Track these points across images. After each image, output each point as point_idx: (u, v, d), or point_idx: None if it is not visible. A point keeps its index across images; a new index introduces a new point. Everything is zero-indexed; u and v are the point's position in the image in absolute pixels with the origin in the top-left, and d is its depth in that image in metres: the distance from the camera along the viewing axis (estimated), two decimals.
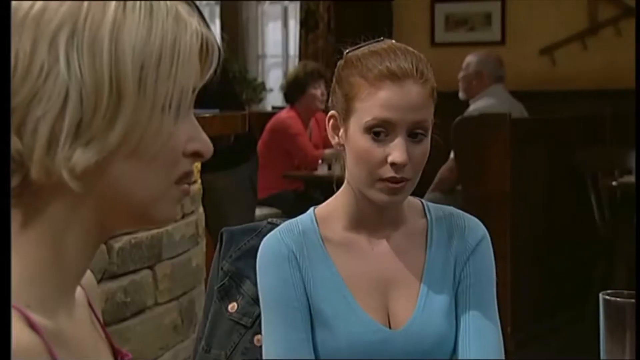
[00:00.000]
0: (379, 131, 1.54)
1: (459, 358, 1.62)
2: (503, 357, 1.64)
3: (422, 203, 1.70)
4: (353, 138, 1.57)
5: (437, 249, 1.65)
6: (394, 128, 1.53)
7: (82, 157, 0.87)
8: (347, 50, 1.62)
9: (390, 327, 1.62)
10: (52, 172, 0.87)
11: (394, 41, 1.62)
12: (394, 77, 1.52)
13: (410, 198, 1.68)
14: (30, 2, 0.87)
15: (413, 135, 1.55)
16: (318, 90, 5.34)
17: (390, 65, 1.53)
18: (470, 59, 5.31)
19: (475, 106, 5.14)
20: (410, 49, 1.59)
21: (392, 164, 1.53)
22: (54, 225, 0.92)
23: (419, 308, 1.61)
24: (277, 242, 1.64)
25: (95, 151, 0.87)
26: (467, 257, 1.65)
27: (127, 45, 0.87)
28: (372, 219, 1.64)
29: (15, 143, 0.86)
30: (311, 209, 1.69)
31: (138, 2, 0.89)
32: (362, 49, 1.60)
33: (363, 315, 1.61)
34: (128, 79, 0.87)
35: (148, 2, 0.90)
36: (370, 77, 1.54)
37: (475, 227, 1.68)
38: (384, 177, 1.54)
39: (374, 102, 1.53)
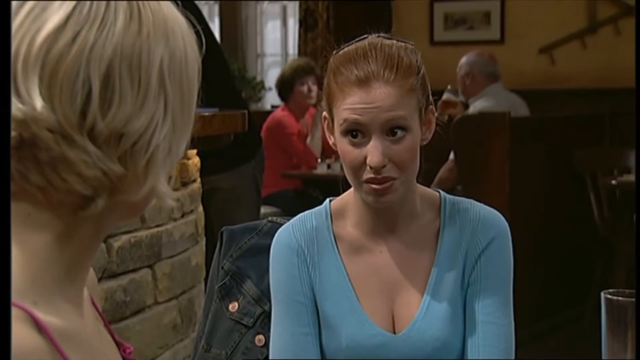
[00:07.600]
0: (355, 134, 1.53)
1: None
2: None
3: (440, 197, 1.66)
4: (337, 141, 1.57)
5: (446, 252, 1.62)
6: (367, 130, 1.52)
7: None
8: (334, 51, 1.60)
9: (395, 331, 1.60)
10: (154, 191, 0.93)
11: (376, 37, 1.59)
12: (360, 82, 1.52)
13: (429, 191, 1.66)
14: (135, 28, 0.90)
15: (392, 133, 1.53)
16: (304, 87, 5.34)
17: (357, 72, 1.52)
18: (462, 60, 5.31)
19: (475, 107, 5.14)
20: (390, 44, 1.56)
21: (370, 167, 1.53)
22: (81, 227, 0.92)
23: (420, 313, 1.60)
24: (287, 236, 1.64)
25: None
26: (478, 256, 1.61)
27: (191, 73, 0.95)
28: (380, 215, 1.62)
29: (118, 169, 0.88)
30: (327, 201, 1.68)
31: (183, 30, 0.96)
32: (344, 50, 1.58)
33: (364, 318, 1.60)
34: (192, 105, 0.96)
35: (187, 30, 0.97)
36: (341, 85, 1.54)
37: (490, 224, 1.63)
38: (365, 179, 1.54)
39: (344, 108, 1.53)
